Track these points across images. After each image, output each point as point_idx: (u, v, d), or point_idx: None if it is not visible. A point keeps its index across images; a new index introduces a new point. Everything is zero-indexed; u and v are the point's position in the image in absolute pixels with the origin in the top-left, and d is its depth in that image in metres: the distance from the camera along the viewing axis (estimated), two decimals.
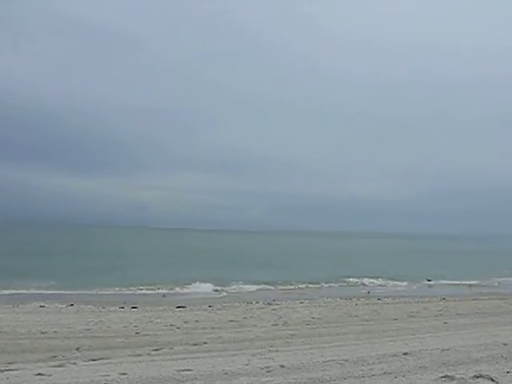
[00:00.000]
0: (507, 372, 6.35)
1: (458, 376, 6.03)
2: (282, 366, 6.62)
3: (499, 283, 28.24)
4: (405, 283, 27.66)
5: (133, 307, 15.97)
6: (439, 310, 15.25)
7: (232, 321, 13.24)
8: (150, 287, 23.14)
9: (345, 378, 5.93)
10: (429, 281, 28.87)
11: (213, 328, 11.95)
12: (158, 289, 23.03)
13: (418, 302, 17.97)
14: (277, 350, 8.44)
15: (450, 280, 29.19)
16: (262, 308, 16.00)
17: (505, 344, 8.28)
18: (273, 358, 7.36)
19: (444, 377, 6.00)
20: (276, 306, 16.33)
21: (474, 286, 26.85)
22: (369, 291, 24.03)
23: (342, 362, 6.87)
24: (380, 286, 26.94)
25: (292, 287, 25.37)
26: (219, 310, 15.69)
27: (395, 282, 28.08)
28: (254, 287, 24.65)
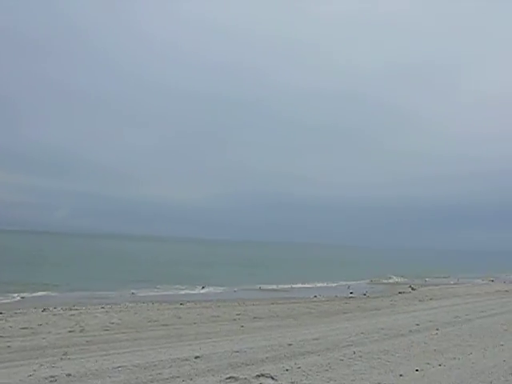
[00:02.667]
0: (286, 370, 6.81)
1: (241, 377, 6.31)
2: (69, 375, 6.34)
3: (291, 288, 30.10)
4: (211, 288, 28.23)
5: None
6: (238, 314, 15.80)
7: (25, 328, 12.30)
8: None
9: None
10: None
11: (1, 337, 10.98)
12: None
13: (219, 306, 18.45)
14: (69, 358, 8.02)
15: (250, 286, 30.45)
16: (59, 314, 15.13)
17: (289, 344, 8.89)
18: (61, 367, 6.99)
19: (229, 378, 6.24)
20: (74, 312, 15.57)
21: (272, 290, 28.40)
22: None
23: (132, 367, 6.78)
24: (183, 290, 27.12)
25: (88, 293, 24.28)
26: (11, 316, 14.48)
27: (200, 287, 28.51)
28: (48, 293, 23.05)
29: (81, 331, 12.01)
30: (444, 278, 41.58)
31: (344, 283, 33.20)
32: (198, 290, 26.63)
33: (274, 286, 30.31)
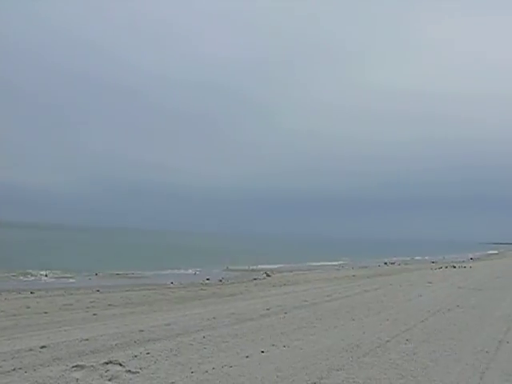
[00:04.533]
0: (135, 356, 6.86)
1: (88, 364, 6.25)
2: None
3: (148, 274, 29.86)
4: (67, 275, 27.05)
5: None
6: (91, 302, 15.44)
7: None
8: None
9: None
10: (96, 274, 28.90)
11: None
12: None
13: (72, 294, 17.88)
14: None
15: (116, 271, 29.82)
16: None
17: (141, 330, 8.92)
18: None
19: (75, 366, 6.15)
20: None
21: (128, 277, 27.99)
22: None
23: None
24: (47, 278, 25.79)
25: None
26: None
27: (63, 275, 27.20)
28: None
29: None
30: (300, 264, 43.64)
31: (201, 270, 33.68)
32: (48, 278, 25.45)
33: (131, 273, 29.94)
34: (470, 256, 68.34)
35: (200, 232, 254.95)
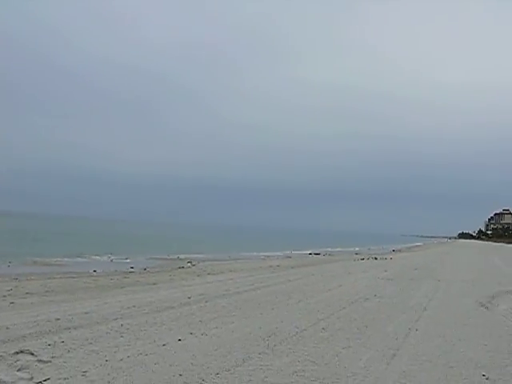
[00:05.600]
0: (49, 345, 6.75)
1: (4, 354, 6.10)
2: None
3: (69, 262, 29.12)
4: None
5: None
6: (9, 290, 14.91)
7: None
8: None
9: None
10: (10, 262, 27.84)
11: None
12: None
13: None
14: None
15: (33, 257, 28.84)
16: None
17: (57, 319, 8.76)
18: None
19: None
20: None
21: (49, 264, 27.18)
22: None
23: None
24: None
25: None
26: None
27: None
28: None
29: None
30: (227, 254, 43.72)
31: (124, 258, 33.16)
32: None
33: (49, 260, 29.06)
34: (393, 248, 70.78)
35: (119, 219, 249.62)
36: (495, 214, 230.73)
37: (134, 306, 10.65)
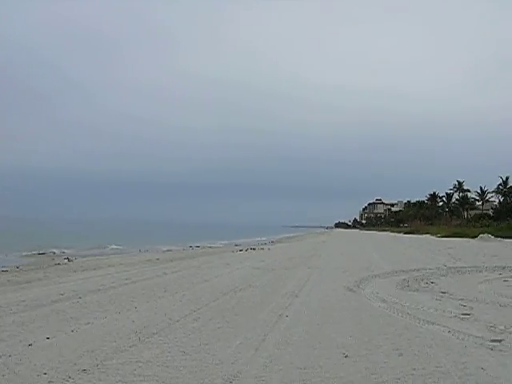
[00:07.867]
0: None
1: None
2: None
3: None
4: None
5: None
6: None
7: None
8: None
9: None
10: None
11: None
12: None
13: None
14: None
15: None
16: None
17: None
18: None
19: None
20: None
21: None
22: None
23: None
24: None
25: None
26: None
27: None
28: None
29: None
30: (106, 249, 42.69)
31: None
32: None
33: None
34: (272, 239, 72.63)
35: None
36: (369, 204, 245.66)
37: (0, 307, 10.21)
